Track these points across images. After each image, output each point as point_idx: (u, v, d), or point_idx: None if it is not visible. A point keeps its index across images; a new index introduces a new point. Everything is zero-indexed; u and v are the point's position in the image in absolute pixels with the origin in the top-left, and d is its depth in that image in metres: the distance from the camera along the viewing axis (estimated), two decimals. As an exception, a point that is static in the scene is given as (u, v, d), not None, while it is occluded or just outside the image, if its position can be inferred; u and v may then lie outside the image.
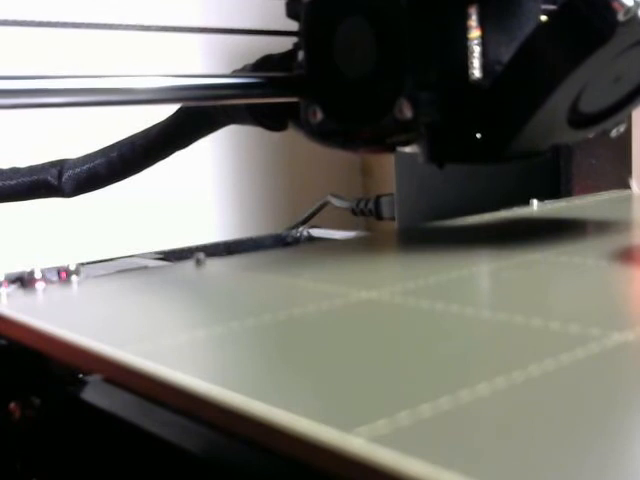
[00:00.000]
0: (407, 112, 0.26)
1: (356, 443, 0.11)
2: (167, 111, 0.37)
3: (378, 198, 0.54)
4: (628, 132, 0.45)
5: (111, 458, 0.19)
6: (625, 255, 0.26)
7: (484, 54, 0.26)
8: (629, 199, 0.42)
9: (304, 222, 0.56)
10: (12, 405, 0.21)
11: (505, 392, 0.13)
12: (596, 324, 0.17)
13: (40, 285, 0.24)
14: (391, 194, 0.53)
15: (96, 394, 0.20)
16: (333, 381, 0.15)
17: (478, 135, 0.27)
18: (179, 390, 0.14)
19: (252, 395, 0.13)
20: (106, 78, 0.26)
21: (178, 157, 0.77)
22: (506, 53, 0.25)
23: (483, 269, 0.24)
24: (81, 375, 0.21)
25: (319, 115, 0.29)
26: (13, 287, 0.24)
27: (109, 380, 0.20)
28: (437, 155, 0.28)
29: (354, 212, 0.56)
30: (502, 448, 0.11)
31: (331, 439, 0.11)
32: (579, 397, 0.13)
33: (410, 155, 0.51)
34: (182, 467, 0.17)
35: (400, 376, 0.14)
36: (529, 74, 0.25)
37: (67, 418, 0.21)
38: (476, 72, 0.25)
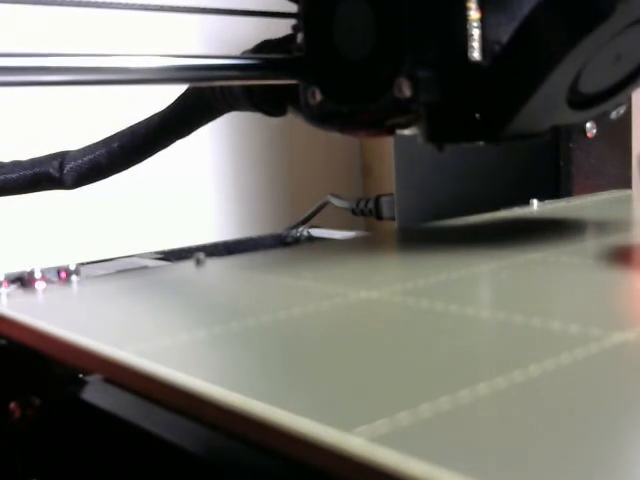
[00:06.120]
0: (406, 91, 0.26)
1: (356, 443, 0.11)
2: (166, 101, 0.37)
3: (378, 198, 0.54)
4: (628, 132, 0.46)
5: (111, 458, 0.19)
6: (625, 255, 0.26)
7: (483, 34, 0.25)
8: (629, 199, 0.42)
9: (304, 222, 0.56)
10: (12, 405, 0.21)
11: (505, 392, 0.13)
12: (596, 324, 0.17)
13: (40, 285, 0.24)
14: (391, 194, 0.53)
15: (96, 394, 0.20)
16: (333, 381, 0.15)
17: (477, 115, 0.27)
18: (179, 390, 0.14)
19: (252, 395, 0.13)
20: (104, 57, 0.26)
21: (178, 157, 0.76)
22: (505, 33, 0.25)
23: (483, 269, 0.24)
24: (81, 375, 0.21)
25: (318, 96, 0.29)
26: (13, 287, 0.24)
27: (109, 380, 0.20)
28: (436, 135, 0.28)
29: (354, 212, 0.56)
30: (502, 448, 0.11)
31: (331, 439, 0.11)
32: (579, 397, 0.13)
33: (410, 155, 0.51)
34: (182, 467, 0.17)
35: (400, 376, 0.14)
36: (528, 53, 0.25)
37: (67, 418, 0.21)
38: (475, 52, 0.25)
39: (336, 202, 0.57)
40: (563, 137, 0.42)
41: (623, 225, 0.33)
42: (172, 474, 0.17)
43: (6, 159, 0.38)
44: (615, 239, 0.28)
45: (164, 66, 0.27)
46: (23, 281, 0.24)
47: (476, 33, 0.25)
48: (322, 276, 0.24)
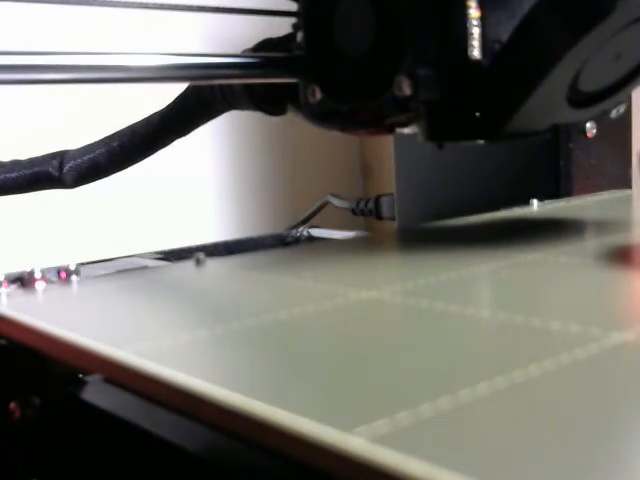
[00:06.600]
0: (406, 89, 0.26)
1: (356, 443, 0.11)
2: (166, 100, 0.37)
3: (378, 198, 0.54)
4: (628, 132, 0.46)
5: (111, 458, 0.19)
6: (625, 255, 0.26)
7: (483, 32, 0.25)
8: (629, 199, 0.42)
9: (304, 222, 0.56)
10: (12, 405, 0.21)
11: (505, 392, 0.13)
12: (596, 324, 0.17)
13: (40, 285, 0.24)
14: (391, 194, 0.53)
15: (96, 394, 0.20)
16: (333, 381, 0.15)
17: (477, 113, 0.27)
18: (179, 390, 0.14)
19: (252, 395, 0.13)
20: (105, 55, 0.26)
21: (179, 157, 0.76)
22: (505, 31, 0.25)
23: (483, 269, 0.24)
24: (81, 375, 0.21)
25: (318, 94, 0.29)
26: (13, 287, 0.24)
27: (109, 380, 0.20)
28: (436, 133, 0.28)
29: (354, 212, 0.56)
30: (502, 448, 0.11)
31: (331, 439, 0.11)
32: (579, 397, 0.13)
33: (410, 155, 0.51)
34: (182, 467, 0.17)
35: (400, 376, 0.14)
36: (528, 52, 0.25)
37: (67, 418, 0.21)
38: (475, 50, 0.25)
39: (336, 202, 0.57)
40: (563, 137, 0.42)
41: (623, 225, 0.33)
42: (172, 474, 0.17)
43: (6, 159, 0.38)
44: (615, 239, 0.28)
45: (165, 64, 0.27)
46: (23, 281, 0.24)
47: (476, 32, 0.25)
48: (322, 276, 0.24)
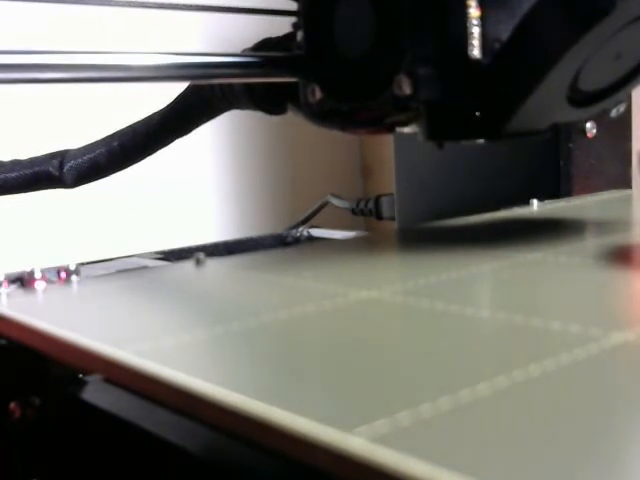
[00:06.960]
0: (406, 88, 0.26)
1: (356, 443, 0.11)
2: (166, 99, 0.37)
3: (378, 198, 0.53)
4: (628, 131, 0.45)
5: (111, 458, 0.19)
6: (624, 255, 0.26)
7: (483, 31, 0.25)
8: (629, 199, 0.42)
9: (304, 222, 0.56)
10: (12, 405, 0.21)
11: (505, 392, 0.13)
12: (596, 324, 0.17)
13: (40, 285, 0.24)
14: (391, 194, 0.53)
15: (96, 394, 0.20)
16: (333, 381, 0.15)
17: (477, 113, 0.27)
18: (179, 390, 0.14)
19: (252, 395, 0.13)
20: (105, 54, 0.25)
21: (179, 157, 0.76)
22: (505, 30, 0.25)
23: (483, 269, 0.24)
24: (81, 375, 0.21)
25: (318, 94, 0.29)
26: (13, 287, 0.24)
27: (109, 380, 0.20)
28: (436, 133, 0.28)
29: (354, 212, 0.56)
30: (502, 448, 0.11)
31: (331, 439, 0.11)
32: (579, 397, 0.13)
33: (410, 155, 0.51)
34: (182, 467, 0.17)
35: (400, 376, 0.14)
36: (528, 51, 0.25)
37: (67, 418, 0.21)
38: (475, 50, 0.25)
39: (336, 202, 0.57)
40: (563, 137, 0.42)
41: (623, 225, 0.33)
42: (172, 474, 0.17)
43: (6, 159, 0.38)
44: (615, 239, 0.28)
45: (165, 64, 0.27)
46: (23, 281, 0.24)
47: (476, 31, 0.25)
48: (322, 276, 0.24)
